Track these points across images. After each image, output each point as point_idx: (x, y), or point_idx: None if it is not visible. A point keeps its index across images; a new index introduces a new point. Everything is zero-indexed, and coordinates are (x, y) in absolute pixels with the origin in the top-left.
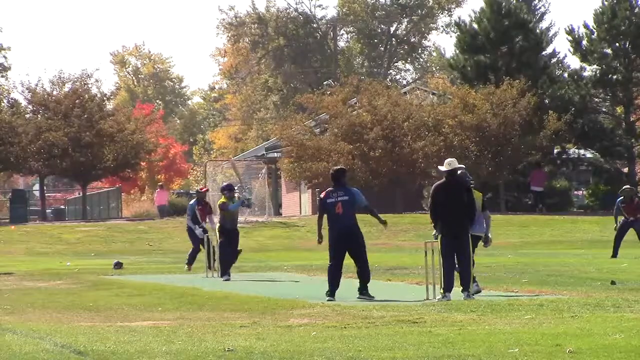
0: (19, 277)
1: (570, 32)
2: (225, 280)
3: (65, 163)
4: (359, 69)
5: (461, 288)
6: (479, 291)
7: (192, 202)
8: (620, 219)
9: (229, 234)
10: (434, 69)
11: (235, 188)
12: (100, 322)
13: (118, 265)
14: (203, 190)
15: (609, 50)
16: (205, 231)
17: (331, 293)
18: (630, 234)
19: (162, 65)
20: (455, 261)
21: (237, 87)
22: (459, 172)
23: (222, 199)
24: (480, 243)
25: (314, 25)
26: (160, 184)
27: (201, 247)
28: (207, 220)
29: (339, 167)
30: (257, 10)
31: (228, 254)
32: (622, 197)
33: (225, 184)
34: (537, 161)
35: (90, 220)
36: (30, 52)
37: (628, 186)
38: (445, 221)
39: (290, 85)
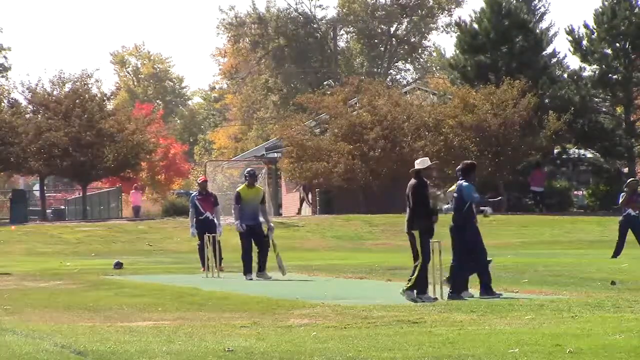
0: (19, 277)
1: (570, 32)
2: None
3: (66, 163)
4: (359, 69)
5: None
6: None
7: (192, 194)
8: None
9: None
10: (434, 69)
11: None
12: (100, 322)
13: (118, 265)
14: (202, 180)
15: (609, 50)
16: (214, 230)
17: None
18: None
19: (162, 65)
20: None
21: (237, 87)
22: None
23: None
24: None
25: (314, 26)
26: (135, 185)
27: (207, 244)
28: (212, 214)
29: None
30: (257, 10)
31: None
32: (626, 187)
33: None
34: (537, 161)
35: (90, 220)
36: (30, 52)
37: (634, 178)
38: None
39: (290, 85)
